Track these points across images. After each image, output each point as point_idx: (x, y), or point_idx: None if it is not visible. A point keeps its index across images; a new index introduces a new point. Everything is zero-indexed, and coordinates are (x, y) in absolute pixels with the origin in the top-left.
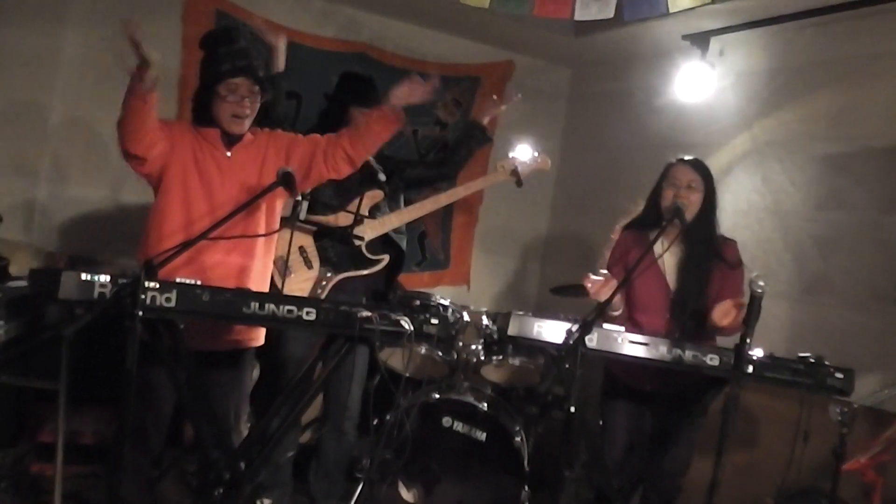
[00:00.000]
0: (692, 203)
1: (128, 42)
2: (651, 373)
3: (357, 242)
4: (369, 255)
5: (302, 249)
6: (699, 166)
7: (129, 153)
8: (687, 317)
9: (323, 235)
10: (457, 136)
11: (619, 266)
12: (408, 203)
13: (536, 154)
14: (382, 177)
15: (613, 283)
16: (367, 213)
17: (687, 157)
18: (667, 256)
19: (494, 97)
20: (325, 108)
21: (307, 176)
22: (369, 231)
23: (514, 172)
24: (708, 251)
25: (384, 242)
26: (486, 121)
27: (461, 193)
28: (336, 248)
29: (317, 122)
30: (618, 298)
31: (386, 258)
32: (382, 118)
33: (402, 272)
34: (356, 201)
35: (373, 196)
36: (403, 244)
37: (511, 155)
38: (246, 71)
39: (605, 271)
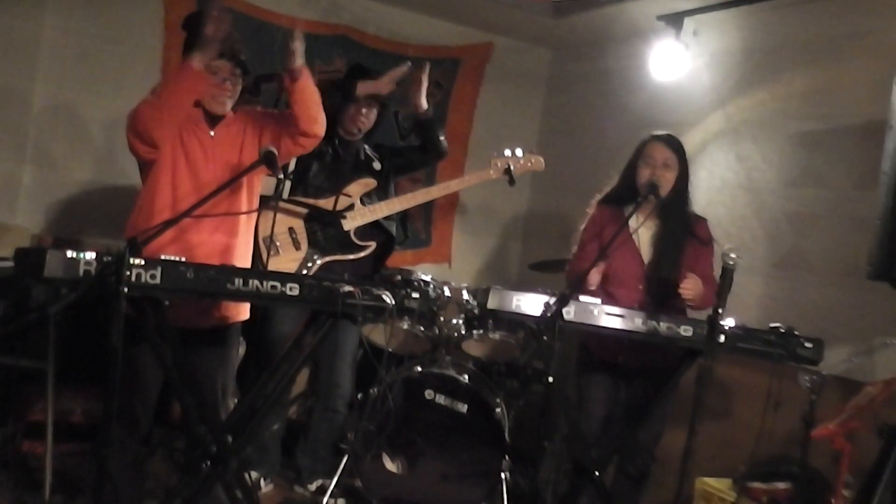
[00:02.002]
0: (667, 181)
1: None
2: (625, 346)
3: (346, 227)
4: (357, 241)
5: (291, 230)
6: (674, 143)
7: (152, 140)
8: (661, 289)
9: (312, 218)
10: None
11: (595, 242)
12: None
13: (530, 154)
14: (377, 165)
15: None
16: (358, 200)
17: (662, 134)
18: (641, 231)
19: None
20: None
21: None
22: (359, 218)
23: (507, 171)
24: (681, 227)
25: (374, 229)
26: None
27: (454, 187)
28: (326, 231)
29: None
30: (594, 273)
31: (373, 245)
32: (293, 79)
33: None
34: (348, 187)
35: (365, 183)
36: (393, 230)
37: (506, 153)
38: (228, 53)
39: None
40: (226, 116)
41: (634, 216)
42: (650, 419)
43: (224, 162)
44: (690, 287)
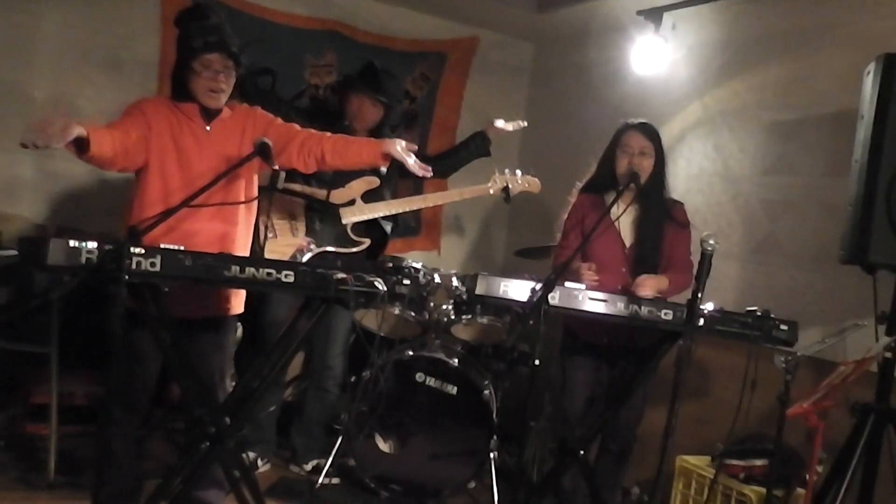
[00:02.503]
0: (645, 168)
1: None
2: (608, 327)
3: (344, 221)
4: (353, 236)
5: (291, 216)
6: (649, 131)
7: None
8: (644, 272)
9: (313, 208)
10: (463, 140)
11: (577, 230)
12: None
13: (528, 177)
14: (384, 169)
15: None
16: (359, 196)
17: (637, 122)
18: (622, 217)
19: (503, 122)
20: (336, 86)
21: (279, 156)
22: (357, 213)
23: (505, 189)
24: (660, 211)
25: (370, 226)
26: (491, 133)
27: (454, 197)
28: (324, 222)
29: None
30: (576, 259)
31: (366, 242)
32: (370, 151)
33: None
34: (350, 183)
35: (368, 181)
36: (389, 229)
37: (506, 172)
38: (218, 46)
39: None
40: (222, 111)
41: (616, 204)
42: (632, 399)
43: (220, 154)
44: (648, 289)
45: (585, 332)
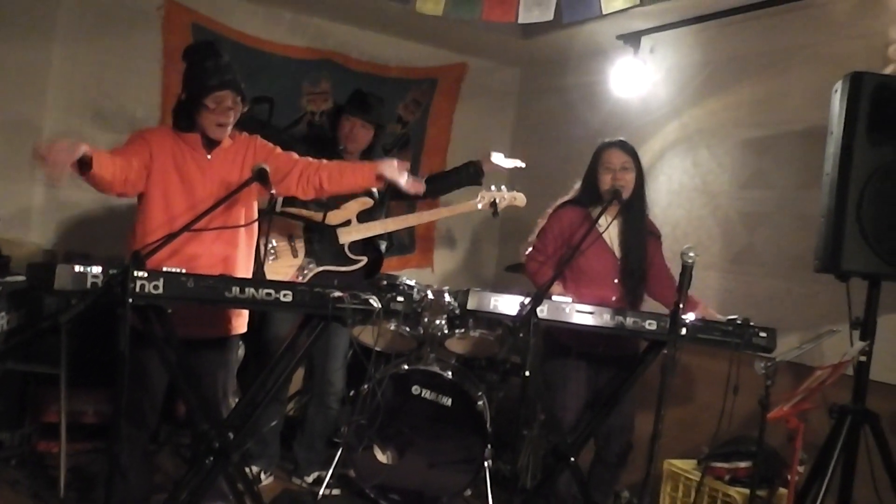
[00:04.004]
0: (628, 183)
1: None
2: (603, 337)
3: (341, 241)
4: (350, 255)
5: (291, 238)
6: (628, 147)
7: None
8: (633, 282)
9: (311, 229)
10: (456, 167)
11: (558, 242)
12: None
13: (514, 192)
14: (376, 193)
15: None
16: (354, 217)
17: (614, 140)
18: (610, 230)
19: (502, 157)
20: (330, 113)
21: (279, 184)
22: (354, 233)
23: (493, 204)
24: (643, 223)
25: (366, 245)
26: (486, 166)
27: (443, 214)
28: (322, 242)
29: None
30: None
31: (364, 260)
32: (364, 174)
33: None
34: (346, 204)
35: (363, 202)
36: (383, 248)
37: (493, 188)
38: (232, 84)
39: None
40: (223, 142)
41: (603, 218)
42: (621, 404)
43: (220, 180)
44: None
45: (581, 342)
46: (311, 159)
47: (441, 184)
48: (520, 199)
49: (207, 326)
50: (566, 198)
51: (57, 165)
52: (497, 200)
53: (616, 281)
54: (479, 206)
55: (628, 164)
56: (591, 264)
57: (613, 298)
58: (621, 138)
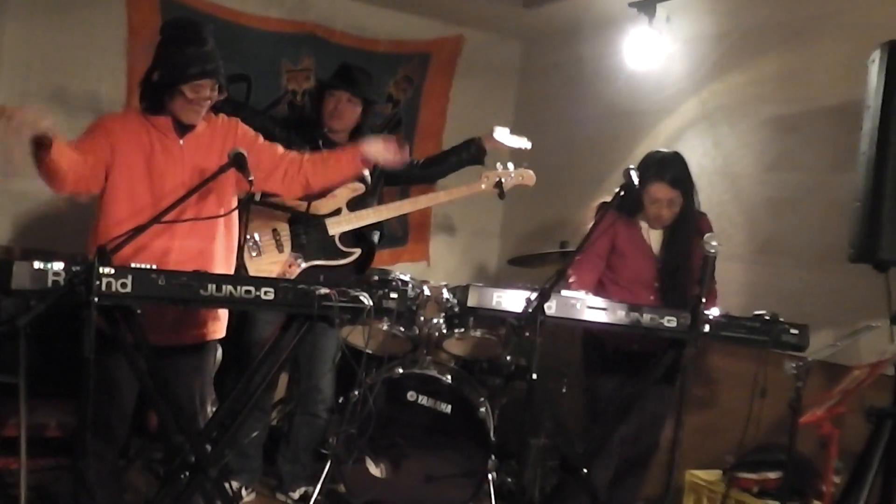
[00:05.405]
0: (673, 215)
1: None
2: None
3: (331, 232)
4: (342, 247)
5: (275, 232)
6: (678, 181)
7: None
8: (675, 286)
9: (297, 220)
10: (456, 146)
11: (603, 241)
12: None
13: (522, 169)
14: (367, 174)
15: None
16: (344, 204)
17: (665, 171)
18: (652, 232)
19: (506, 133)
20: (312, 92)
21: (263, 182)
22: (344, 223)
23: (498, 185)
24: (691, 229)
25: (357, 236)
26: (489, 144)
27: (442, 198)
28: (310, 234)
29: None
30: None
31: (357, 252)
32: (348, 160)
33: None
34: (335, 192)
35: (353, 188)
36: (376, 239)
37: (497, 167)
38: (213, 74)
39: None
40: (196, 126)
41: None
42: (649, 402)
43: (194, 168)
44: None
45: (614, 340)
46: (294, 155)
47: (438, 166)
48: (528, 176)
49: (183, 331)
50: (606, 199)
51: (24, 125)
52: (503, 180)
53: (656, 284)
54: (483, 186)
55: (676, 200)
56: (631, 266)
57: (652, 300)
58: (674, 165)
